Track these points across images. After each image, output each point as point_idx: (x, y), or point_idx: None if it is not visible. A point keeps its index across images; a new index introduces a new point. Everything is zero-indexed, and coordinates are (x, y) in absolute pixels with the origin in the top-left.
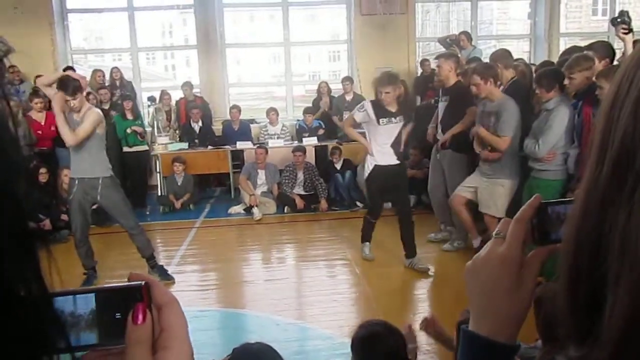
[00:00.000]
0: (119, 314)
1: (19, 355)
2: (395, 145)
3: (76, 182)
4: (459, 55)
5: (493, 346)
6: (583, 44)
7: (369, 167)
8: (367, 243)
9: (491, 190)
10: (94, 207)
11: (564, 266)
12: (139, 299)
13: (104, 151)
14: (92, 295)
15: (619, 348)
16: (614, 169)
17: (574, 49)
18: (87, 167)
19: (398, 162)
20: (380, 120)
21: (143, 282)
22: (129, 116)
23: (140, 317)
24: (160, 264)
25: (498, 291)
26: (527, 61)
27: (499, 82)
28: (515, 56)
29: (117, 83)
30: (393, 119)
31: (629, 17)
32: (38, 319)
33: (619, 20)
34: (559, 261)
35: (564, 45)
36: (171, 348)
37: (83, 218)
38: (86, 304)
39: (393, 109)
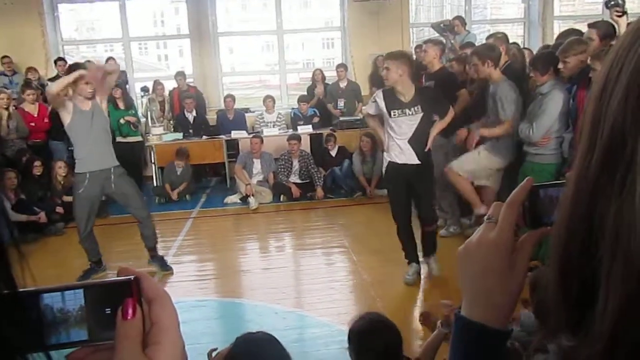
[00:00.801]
0: (108, 309)
1: None
2: (415, 141)
3: (87, 176)
4: (452, 41)
5: (486, 331)
6: (577, 27)
7: (384, 164)
8: (414, 264)
9: (485, 164)
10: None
11: (555, 256)
12: (128, 293)
13: (110, 142)
14: (81, 291)
15: (612, 341)
16: (604, 158)
17: (570, 32)
18: (98, 159)
19: (418, 162)
20: (392, 112)
21: (132, 277)
22: (121, 105)
23: (130, 312)
24: (160, 254)
25: (490, 275)
26: (521, 45)
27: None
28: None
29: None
30: (407, 110)
31: (622, 0)
32: (7, 319)
33: (612, 3)
34: (550, 249)
35: (558, 28)
36: (162, 343)
37: (90, 212)
38: (75, 300)
39: (405, 98)
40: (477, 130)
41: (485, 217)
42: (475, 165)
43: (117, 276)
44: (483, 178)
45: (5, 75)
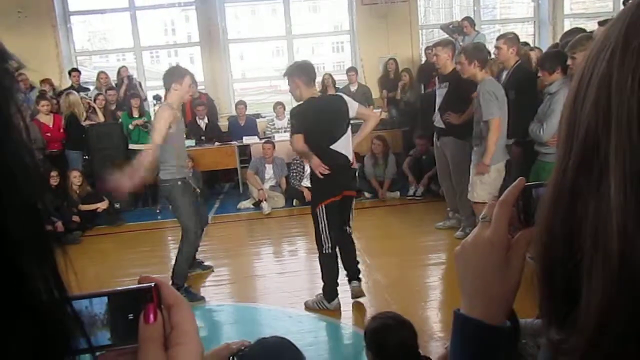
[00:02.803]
0: (131, 315)
1: (41, 355)
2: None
3: (185, 178)
4: (461, 42)
5: (484, 327)
6: (588, 24)
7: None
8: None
9: (494, 176)
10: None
11: (539, 254)
12: (149, 299)
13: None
14: (105, 298)
15: (597, 333)
16: (580, 159)
17: (574, 31)
18: (186, 161)
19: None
20: None
21: (153, 284)
22: (135, 114)
23: (152, 316)
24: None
25: (487, 273)
26: (532, 45)
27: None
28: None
29: (126, 81)
30: None
31: None
32: (59, 319)
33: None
34: (534, 247)
35: (569, 26)
36: (182, 344)
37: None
38: (100, 306)
39: None
40: (481, 163)
41: (480, 217)
42: (489, 185)
43: (139, 283)
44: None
45: (22, 92)
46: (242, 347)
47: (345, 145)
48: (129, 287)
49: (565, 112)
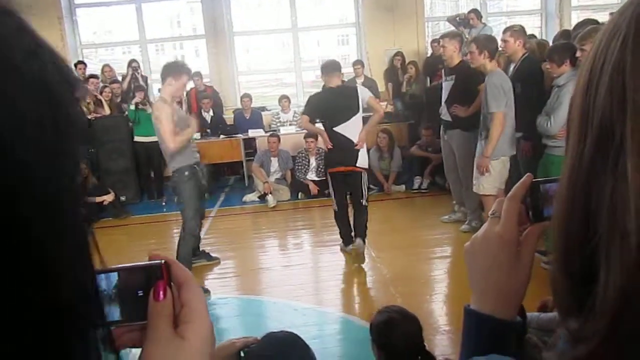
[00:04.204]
0: (141, 292)
1: (68, 328)
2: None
3: (194, 166)
4: (467, 35)
5: (495, 322)
6: (596, 16)
7: None
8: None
9: (500, 168)
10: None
11: (556, 242)
12: (159, 276)
13: None
14: (115, 274)
15: (616, 317)
16: (596, 146)
17: (587, 22)
18: (194, 151)
19: None
20: None
21: (163, 261)
22: (148, 110)
23: (162, 293)
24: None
25: (497, 269)
26: (539, 37)
27: (495, 58)
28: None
29: (130, 71)
30: None
31: None
32: (85, 294)
33: None
34: (552, 233)
35: (576, 19)
36: (192, 322)
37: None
38: (109, 282)
39: None
40: (483, 157)
41: (490, 213)
42: (494, 177)
43: (149, 260)
44: (505, 178)
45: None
46: (249, 344)
47: (349, 129)
48: (139, 263)
49: (577, 100)
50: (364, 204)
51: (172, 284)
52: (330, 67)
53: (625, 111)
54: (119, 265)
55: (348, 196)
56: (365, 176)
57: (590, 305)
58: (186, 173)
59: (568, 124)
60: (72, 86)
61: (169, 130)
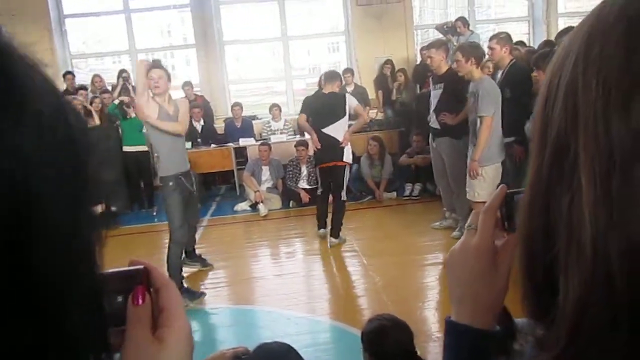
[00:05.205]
0: (120, 297)
1: (68, 354)
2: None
3: (180, 177)
4: (455, 43)
5: (472, 331)
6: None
7: None
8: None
9: (492, 176)
10: None
11: (520, 252)
12: (138, 282)
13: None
14: None
15: (575, 329)
16: (553, 160)
17: (569, 29)
18: (183, 160)
19: None
20: None
21: (142, 266)
22: (132, 114)
23: (140, 298)
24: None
25: (475, 280)
26: (527, 43)
27: (481, 64)
28: (514, 39)
29: (121, 81)
30: None
31: None
32: (90, 316)
33: None
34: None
35: (563, 25)
36: (170, 326)
37: (184, 210)
38: None
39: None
40: (472, 161)
41: (466, 225)
42: (488, 184)
43: (128, 266)
44: (497, 183)
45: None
46: (239, 354)
47: (336, 130)
48: (118, 269)
49: (537, 116)
50: (343, 198)
51: (151, 289)
52: (330, 76)
53: (578, 127)
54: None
55: (331, 187)
56: (347, 170)
57: (553, 314)
58: (170, 184)
59: (532, 137)
60: (87, 133)
61: (153, 118)
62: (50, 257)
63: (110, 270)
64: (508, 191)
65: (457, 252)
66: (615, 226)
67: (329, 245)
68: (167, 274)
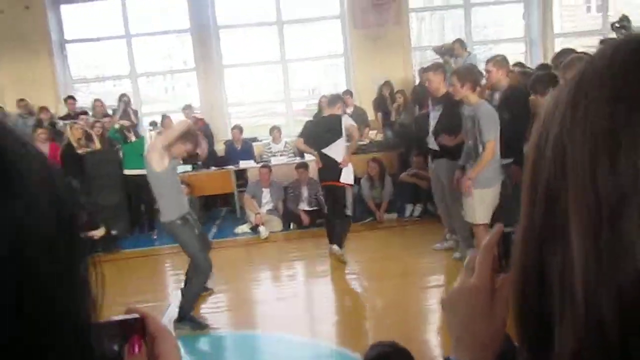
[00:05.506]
0: (116, 346)
1: None
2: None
3: (185, 216)
4: (453, 65)
5: None
6: (578, 42)
7: None
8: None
9: (491, 197)
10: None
11: (513, 298)
12: (134, 331)
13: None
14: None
15: None
16: (545, 209)
17: (567, 51)
18: (184, 201)
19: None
20: None
21: (138, 316)
22: (132, 138)
23: (136, 347)
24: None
25: (473, 319)
26: (524, 62)
27: (477, 88)
28: (511, 59)
29: (122, 106)
30: None
31: (628, 22)
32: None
33: (618, 25)
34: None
35: (559, 45)
36: None
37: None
38: None
39: None
40: (466, 176)
41: (465, 264)
42: (487, 207)
43: (125, 314)
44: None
45: (22, 117)
46: None
47: (334, 151)
48: (115, 318)
49: (528, 162)
50: (348, 213)
51: (146, 337)
52: (331, 100)
53: (567, 178)
54: (96, 322)
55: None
56: (348, 191)
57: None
58: (178, 222)
59: (523, 182)
60: (73, 192)
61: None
62: (38, 312)
63: (107, 320)
64: (505, 230)
65: (455, 291)
66: (606, 277)
67: (328, 250)
68: (179, 304)
